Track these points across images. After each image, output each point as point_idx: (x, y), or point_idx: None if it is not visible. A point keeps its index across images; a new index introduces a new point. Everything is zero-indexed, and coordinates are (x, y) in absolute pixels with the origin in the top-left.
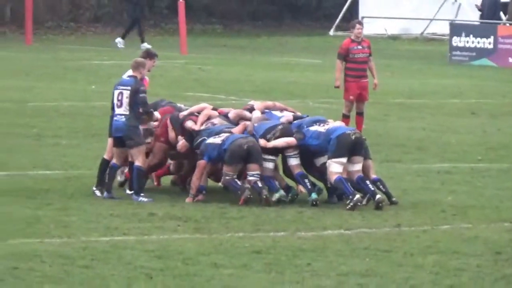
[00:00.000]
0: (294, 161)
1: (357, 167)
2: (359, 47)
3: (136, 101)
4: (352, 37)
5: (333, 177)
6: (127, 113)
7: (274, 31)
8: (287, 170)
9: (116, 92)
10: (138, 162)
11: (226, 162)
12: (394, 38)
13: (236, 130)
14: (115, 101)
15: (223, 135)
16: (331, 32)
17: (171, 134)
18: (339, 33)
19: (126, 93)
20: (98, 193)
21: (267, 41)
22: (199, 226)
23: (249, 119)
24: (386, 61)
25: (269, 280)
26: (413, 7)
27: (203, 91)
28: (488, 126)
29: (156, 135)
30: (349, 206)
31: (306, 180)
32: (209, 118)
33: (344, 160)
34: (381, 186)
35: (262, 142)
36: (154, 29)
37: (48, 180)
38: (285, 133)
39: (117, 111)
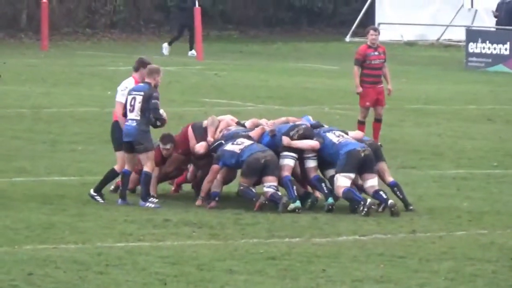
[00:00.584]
0: (311, 163)
1: (370, 183)
2: (376, 53)
3: (148, 107)
4: (368, 43)
5: (340, 190)
6: (138, 118)
7: (290, 37)
8: (303, 172)
9: (130, 97)
10: (146, 168)
11: (242, 174)
12: (411, 44)
13: (254, 133)
14: (128, 106)
15: (242, 143)
16: (347, 38)
17: (192, 142)
18: (356, 39)
19: (139, 98)
20: (98, 198)
21: (283, 47)
22: (214, 232)
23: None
24: (403, 67)
25: (284, 286)
26: (429, 14)
27: (219, 97)
28: (504, 132)
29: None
30: (364, 211)
31: (323, 184)
32: (229, 126)
33: (352, 175)
34: (398, 192)
35: (285, 140)
36: (170, 35)
37: (63, 186)
38: (307, 131)
39: (129, 116)
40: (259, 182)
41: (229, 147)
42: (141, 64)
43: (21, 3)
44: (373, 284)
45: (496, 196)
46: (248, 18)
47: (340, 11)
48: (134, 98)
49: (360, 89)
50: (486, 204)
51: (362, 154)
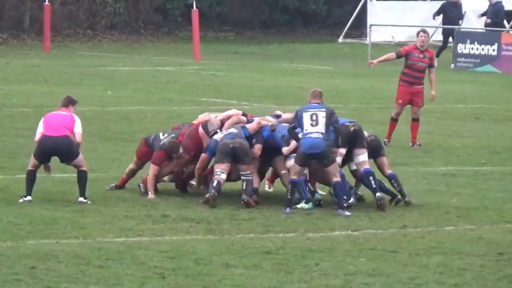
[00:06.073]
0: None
1: (362, 158)
2: (421, 55)
3: (330, 122)
4: (417, 45)
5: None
6: (323, 131)
7: (285, 38)
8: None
9: (309, 113)
10: (336, 178)
11: (215, 160)
12: (402, 45)
13: (250, 126)
14: (309, 120)
15: (224, 132)
16: (340, 39)
17: (206, 142)
18: (348, 40)
19: (322, 114)
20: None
21: (278, 48)
22: (211, 227)
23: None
24: (394, 67)
25: (279, 279)
26: (419, 16)
27: (216, 96)
28: (492, 131)
29: (186, 148)
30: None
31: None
32: (237, 123)
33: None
34: (395, 184)
35: (285, 150)
36: (168, 37)
37: (65, 182)
38: None
39: (311, 129)
40: (238, 177)
41: (216, 136)
42: (70, 102)
43: (24, 5)
44: (365, 278)
45: (484, 192)
46: (244, 20)
47: (333, 13)
48: (315, 114)
49: (372, 62)
50: (474, 200)
51: (352, 129)
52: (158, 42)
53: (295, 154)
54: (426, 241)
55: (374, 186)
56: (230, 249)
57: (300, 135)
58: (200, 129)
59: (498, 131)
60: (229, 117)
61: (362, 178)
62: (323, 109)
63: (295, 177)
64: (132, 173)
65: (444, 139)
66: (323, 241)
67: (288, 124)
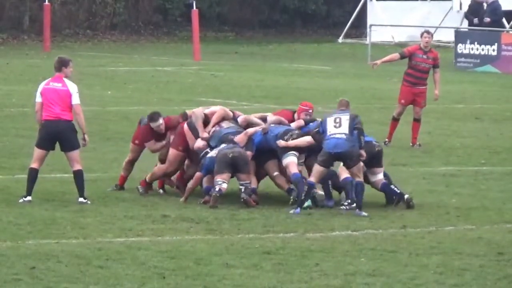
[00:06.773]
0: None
1: (379, 176)
2: (424, 56)
3: (353, 125)
4: (421, 45)
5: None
6: (347, 133)
7: (284, 38)
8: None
9: (332, 117)
10: (358, 178)
11: (215, 171)
12: (401, 45)
13: (239, 138)
14: (332, 123)
15: (219, 147)
16: (340, 40)
17: (192, 143)
18: (348, 40)
19: (345, 117)
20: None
21: (277, 48)
22: (210, 228)
23: (256, 124)
24: (394, 67)
25: (279, 279)
26: (419, 16)
27: (216, 96)
28: (491, 131)
29: (174, 143)
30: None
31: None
32: (223, 119)
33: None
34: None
35: (281, 143)
36: (168, 37)
37: (65, 182)
38: (300, 136)
39: (335, 130)
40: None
41: (211, 154)
42: (62, 64)
43: (24, 5)
44: (365, 278)
45: (484, 192)
46: (244, 20)
47: (333, 13)
48: (339, 118)
49: (376, 62)
50: (474, 200)
51: (377, 149)
52: (158, 42)
53: (292, 152)
54: (426, 241)
55: (398, 191)
56: (230, 249)
57: (325, 138)
58: (185, 126)
59: (498, 131)
60: (214, 113)
61: (383, 189)
62: (347, 113)
63: (312, 179)
64: (130, 166)
65: (444, 139)
66: (323, 241)
67: (275, 125)
